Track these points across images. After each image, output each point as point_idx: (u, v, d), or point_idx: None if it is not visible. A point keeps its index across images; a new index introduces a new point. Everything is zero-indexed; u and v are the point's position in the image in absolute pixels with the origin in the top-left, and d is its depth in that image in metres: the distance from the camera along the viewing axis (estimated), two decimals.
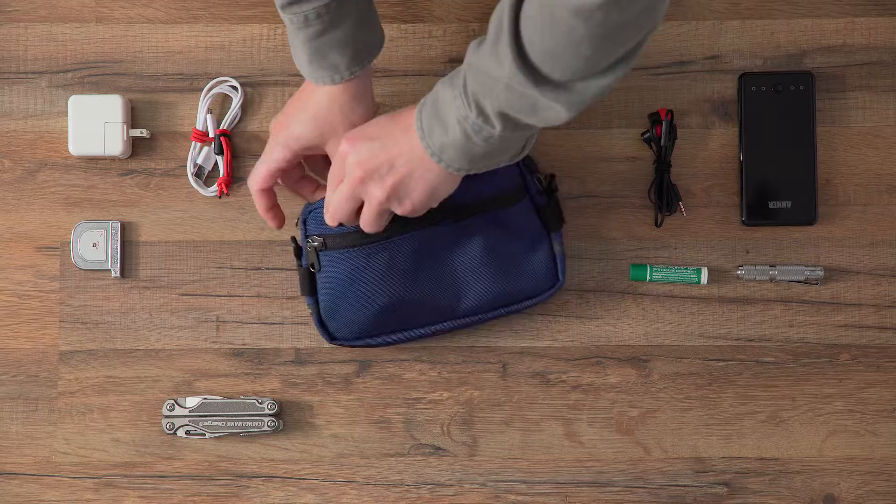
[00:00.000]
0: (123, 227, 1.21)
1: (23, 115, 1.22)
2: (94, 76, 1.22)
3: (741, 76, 1.21)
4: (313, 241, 1.12)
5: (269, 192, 1.11)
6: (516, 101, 0.92)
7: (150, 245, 1.21)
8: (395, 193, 1.02)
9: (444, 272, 1.14)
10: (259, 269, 1.21)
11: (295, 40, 1.04)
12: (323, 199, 1.09)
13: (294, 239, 1.14)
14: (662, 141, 1.20)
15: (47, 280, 1.21)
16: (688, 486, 1.20)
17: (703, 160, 1.22)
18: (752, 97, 1.21)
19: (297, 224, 1.14)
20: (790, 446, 1.20)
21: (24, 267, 1.21)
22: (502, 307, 1.16)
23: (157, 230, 1.21)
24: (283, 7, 1.02)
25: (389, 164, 1.01)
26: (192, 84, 1.22)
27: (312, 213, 1.11)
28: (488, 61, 0.92)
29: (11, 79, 1.22)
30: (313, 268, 1.13)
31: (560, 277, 1.17)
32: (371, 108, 1.08)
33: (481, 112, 0.95)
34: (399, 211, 1.04)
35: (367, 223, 1.05)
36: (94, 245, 1.20)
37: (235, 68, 1.22)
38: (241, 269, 1.21)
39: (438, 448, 1.20)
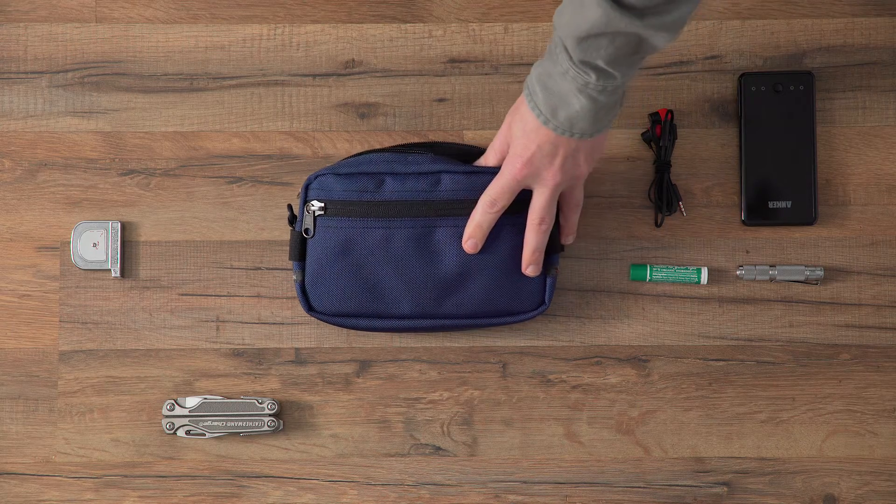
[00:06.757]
0: (123, 227, 1.21)
1: (23, 115, 1.22)
2: (94, 76, 1.22)
3: (741, 76, 1.21)
4: (312, 206, 1.13)
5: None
6: (623, 45, 0.97)
7: (150, 245, 1.21)
8: (530, 173, 1.08)
9: (438, 266, 1.14)
10: (259, 269, 1.21)
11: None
12: (325, 168, 1.14)
13: (290, 206, 1.15)
14: (662, 141, 1.20)
15: (47, 280, 1.21)
16: (688, 486, 1.20)
17: (703, 160, 1.22)
18: (752, 97, 1.21)
19: (298, 196, 1.15)
20: (790, 446, 1.20)
21: (24, 267, 1.21)
22: (483, 317, 1.16)
23: (157, 230, 1.21)
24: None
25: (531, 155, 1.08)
26: (192, 84, 1.22)
27: (317, 178, 1.13)
28: (581, 22, 0.96)
29: (11, 79, 1.22)
30: (307, 233, 1.14)
31: (546, 301, 1.16)
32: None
33: (599, 71, 0.99)
34: (538, 187, 1.10)
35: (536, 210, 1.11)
36: (94, 245, 1.20)
37: (235, 68, 1.22)
38: (241, 269, 1.21)
39: (438, 448, 1.20)
